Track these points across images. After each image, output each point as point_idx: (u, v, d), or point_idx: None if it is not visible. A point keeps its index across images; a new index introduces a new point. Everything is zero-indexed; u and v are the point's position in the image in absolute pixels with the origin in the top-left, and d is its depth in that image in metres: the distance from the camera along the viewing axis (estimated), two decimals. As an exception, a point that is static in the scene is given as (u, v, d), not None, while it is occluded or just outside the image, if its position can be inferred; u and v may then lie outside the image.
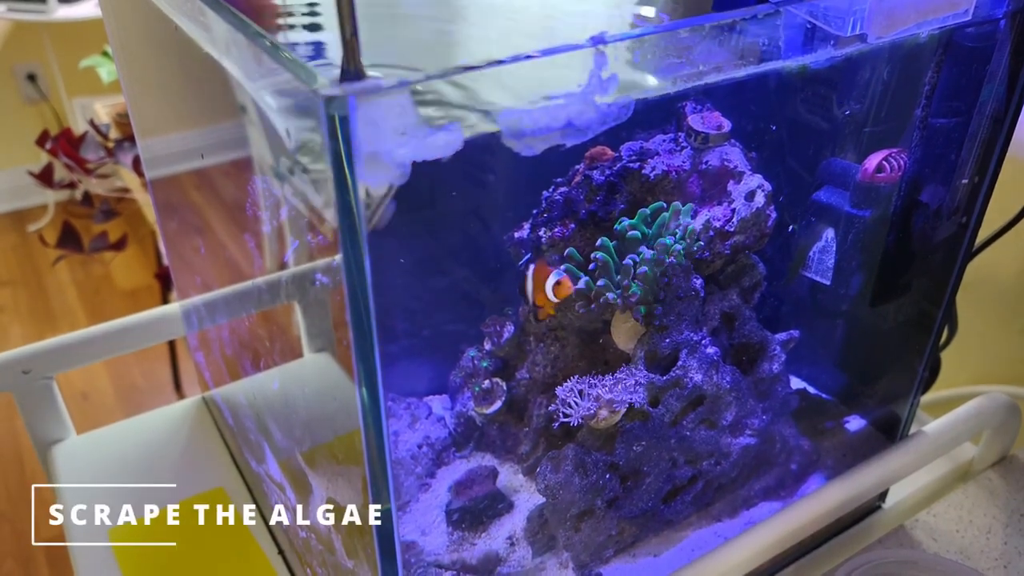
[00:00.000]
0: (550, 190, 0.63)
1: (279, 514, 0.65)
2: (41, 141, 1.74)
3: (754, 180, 0.59)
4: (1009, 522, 0.70)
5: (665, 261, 0.56)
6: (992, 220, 0.65)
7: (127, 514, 0.71)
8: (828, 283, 0.64)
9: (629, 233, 0.56)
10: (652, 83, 0.41)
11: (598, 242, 0.57)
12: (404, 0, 0.51)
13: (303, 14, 0.45)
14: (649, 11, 0.48)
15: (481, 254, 0.68)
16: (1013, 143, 0.57)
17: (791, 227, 0.65)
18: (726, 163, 0.60)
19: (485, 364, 0.68)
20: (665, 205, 0.57)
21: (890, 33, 0.47)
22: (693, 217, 0.59)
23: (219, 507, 0.71)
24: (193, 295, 0.75)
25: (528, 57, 0.36)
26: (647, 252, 0.56)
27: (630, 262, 0.56)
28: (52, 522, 0.69)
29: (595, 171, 0.60)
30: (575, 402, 0.57)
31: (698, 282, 0.58)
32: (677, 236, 0.57)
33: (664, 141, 0.62)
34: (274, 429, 0.59)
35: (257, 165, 0.46)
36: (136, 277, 2.44)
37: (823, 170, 0.63)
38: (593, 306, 0.58)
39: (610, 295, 0.57)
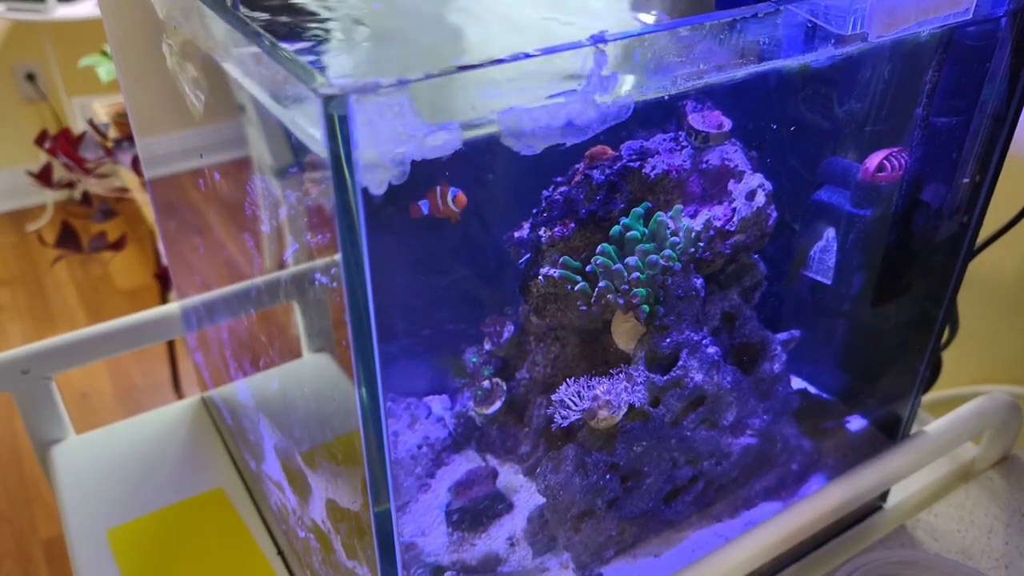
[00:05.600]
0: (550, 189, 0.62)
1: (278, 514, 0.64)
2: (40, 141, 1.74)
3: (755, 179, 0.59)
4: (1010, 522, 0.70)
5: (658, 265, 0.56)
6: (993, 219, 0.65)
7: (126, 514, 0.71)
8: (829, 283, 0.64)
9: (628, 234, 0.56)
10: (652, 82, 0.41)
11: (599, 248, 0.57)
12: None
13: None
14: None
15: (481, 254, 0.68)
16: (1014, 142, 0.57)
17: (792, 226, 0.65)
18: (727, 162, 0.60)
19: (487, 372, 0.67)
20: (651, 205, 0.57)
21: (891, 32, 0.47)
22: (692, 218, 0.59)
23: (218, 507, 0.71)
24: (192, 295, 0.74)
25: (528, 56, 0.36)
26: (640, 259, 0.56)
27: (622, 267, 0.56)
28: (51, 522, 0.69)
29: (595, 170, 0.60)
30: (575, 402, 0.57)
31: (698, 282, 0.58)
32: (668, 243, 0.56)
33: (664, 140, 0.62)
34: (273, 429, 0.59)
35: (256, 165, 0.46)
36: (135, 277, 2.44)
37: (824, 169, 0.63)
38: (595, 308, 0.58)
39: (611, 296, 0.56)
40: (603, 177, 0.60)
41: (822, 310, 0.67)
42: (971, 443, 0.76)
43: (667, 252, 0.56)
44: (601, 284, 0.57)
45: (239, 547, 0.68)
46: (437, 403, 0.72)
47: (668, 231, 0.56)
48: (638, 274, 0.55)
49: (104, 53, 2.17)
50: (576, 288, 0.58)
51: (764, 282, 0.63)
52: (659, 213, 0.57)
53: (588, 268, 0.58)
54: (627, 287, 0.56)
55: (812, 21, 0.45)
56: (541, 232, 0.61)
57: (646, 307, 0.57)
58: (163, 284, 1.81)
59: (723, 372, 0.60)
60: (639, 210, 0.57)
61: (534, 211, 0.63)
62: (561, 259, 0.58)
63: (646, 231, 0.57)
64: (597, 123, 0.40)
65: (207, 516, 0.70)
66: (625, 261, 0.56)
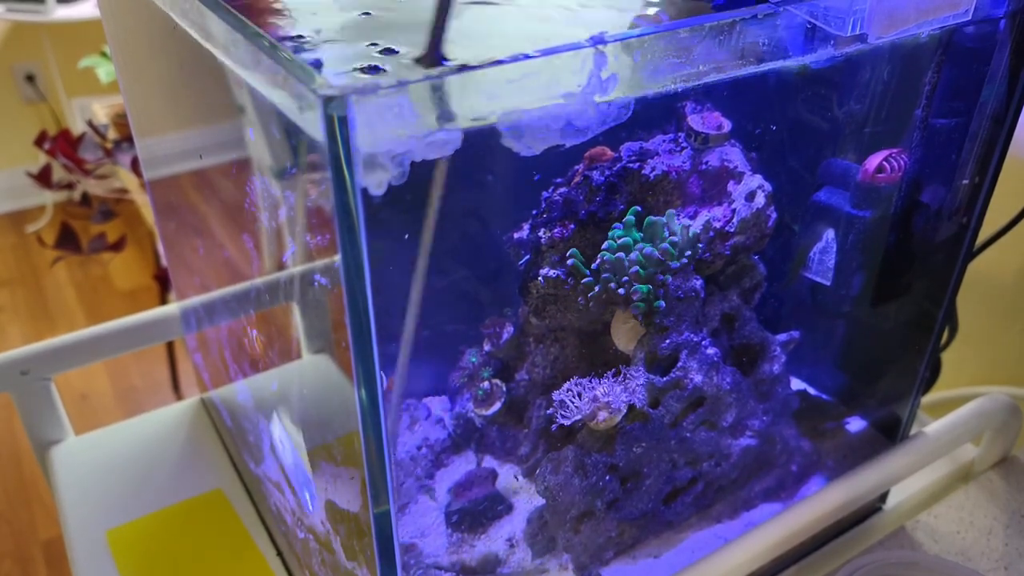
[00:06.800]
0: (550, 190, 0.62)
1: (277, 516, 0.64)
2: (39, 141, 1.73)
3: (754, 180, 0.59)
4: (1010, 523, 0.70)
5: (655, 257, 0.56)
6: (993, 220, 0.65)
7: (125, 515, 0.71)
8: (828, 284, 0.64)
9: (620, 241, 0.56)
10: (651, 83, 0.41)
11: (605, 244, 0.57)
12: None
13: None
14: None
15: (481, 254, 0.68)
16: (1013, 143, 0.57)
17: (792, 227, 0.65)
18: (726, 163, 0.60)
19: (486, 374, 0.67)
20: (641, 209, 0.57)
21: (890, 33, 0.47)
22: (692, 219, 0.59)
23: (217, 508, 0.71)
24: (191, 296, 0.74)
25: (528, 57, 0.36)
26: (639, 253, 0.56)
27: (623, 256, 0.56)
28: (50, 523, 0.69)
29: (595, 171, 0.60)
30: (574, 404, 0.57)
31: (698, 283, 0.58)
32: (667, 243, 0.56)
33: (664, 141, 0.62)
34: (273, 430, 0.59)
35: (256, 165, 0.46)
36: (134, 278, 2.44)
37: (823, 170, 0.63)
38: (592, 304, 0.58)
39: (612, 285, 0.56)
40: (603, 178, 0.60)
41: (822, 311, 0.67)
42: (971, 444, 0.76)
43: (665, 246, 0.56)
44: (604, 275, 0.57)
45: (238, 548, 0.68)
46: (436, 404, 0.72)
47: (665, 232, 0.56)
48: (638, 268, 0.55)
49: (104, 54, 2.17)
50: (583, 281, 0.58)
51: (764, 283, 0.63)
52: (649, 217, 0.57)
53: (593, 266, 0.58)
54: (627, 279, 0.56)
55: (811, 22, 0.45)
56: (541, 233, 0.61)
57: (641, 304, 0.57)
58: (162, 285, 1.81)
59: (722, 373, 0.60)
60: (630, 218, 0.57)
61: (534, 212, 0.63)
62: (570, 250, 0.58)
63: (639, 235, 0.57)
64: (596, 124, 0.40)
65: (206, 517, 0.70)
66: (628, 257, 0.56)
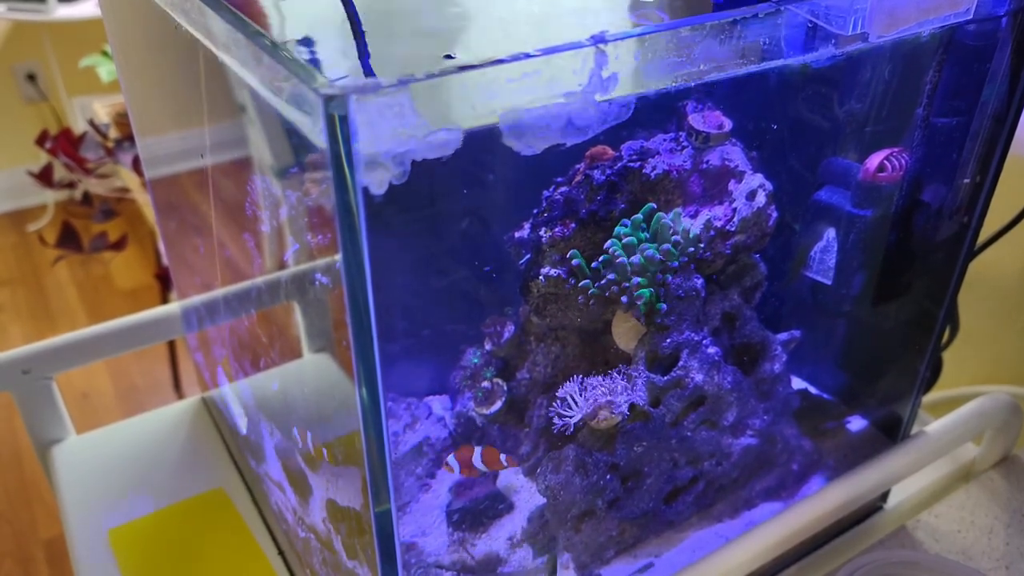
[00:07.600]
0: (550, 189, 0.62)
1: (278, 514, 0.64)
2: (41, 141, 1.73)
3: (755, 179, 0.59)
4: (1011, 522, 0.70)
5: (656, 260, 0.56)
6: (993, 219, 0.64)
7: (127, 514, 0.71)
8: (829, 283, 0.64)
9: (624, 240, 0.56)
10: (652, 82, 0.41)
11: (608, 243, 0.57)
12: None
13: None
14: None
15: (481, 254, 0.68)
16: (1015, 142, 0.57)
17: (793, 226, 0.65)
18: (727, 162, 0.60)
19: (488, 374, 0.67)
20: (655, 206, 0.57)
21: (891, 32, 0.47)
22: (693, 218, 0.59)
23: (219, 507, 0.71)
24: (192, 295, 0.74)
25: (528, 56, 0.36)
26: (641, 255, 0.56)
27: (626, 260, 0.56)
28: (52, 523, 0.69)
29: (595, 170, 0.60)
30: (576, 403, 0.57)
31: (699, 282, 0.58)
32: (670, 243, 0.56)
33: (665, 140, 0.62)
34: (274, 429, 0.59)
35: (257, 165, 0.46)
36: (136, 277, 2.44)
37: (824, 169, 0.63)
38: (593, 303, 0.58)
39: (615, 288, 0.56)
40: (603, 177, 0.60)
41: (822, 310, 0.67)
42: (971, 443, 0.76)
43: (666, 247, 0.56)
44: (610, 276, 0.57)
45: (240, 547, 0.68)
46: (437, 403, 0.72)
47: (670, 232, 0.56)
48: (638, 279, 0.55)
49: (105, 53, 2.17)
50: (582, 283, 0.58)
51: (764, 282, 0.63)
52: (660, 214, 0.57)
53: (593, 265, 0.58)
54: (627, 284, 0.56)
55: (812, 21, 0.45)
56: (542, 232, 0.61)
57: (646, 295, 0.56)
58: (164, 284, 1.81)
59: (723, 372, 0.60)
60: (639, 216, 0.57)
61: (535, 211, 0.63)
62: (571, 252, 0.58)
63: (646, 235, 0.57)
64: (597, 123, 0.40)
65: (208, 516, 0.70)
66: (629, 260, 0.56)
